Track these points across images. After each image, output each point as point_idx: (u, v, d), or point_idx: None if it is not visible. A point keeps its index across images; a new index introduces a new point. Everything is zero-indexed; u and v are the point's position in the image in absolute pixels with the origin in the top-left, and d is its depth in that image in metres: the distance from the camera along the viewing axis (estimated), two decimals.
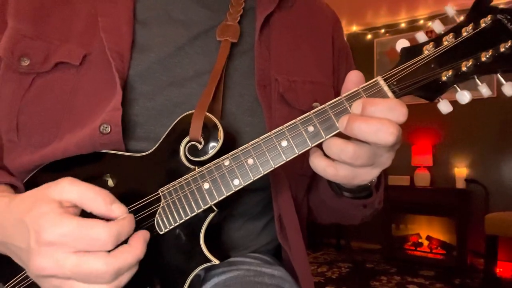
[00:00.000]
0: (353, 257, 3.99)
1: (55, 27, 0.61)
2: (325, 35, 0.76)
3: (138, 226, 0.53)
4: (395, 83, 0.48)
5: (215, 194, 0.51)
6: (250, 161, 0.50)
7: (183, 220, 0.52)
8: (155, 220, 0.53)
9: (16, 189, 0.57)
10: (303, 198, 0.72)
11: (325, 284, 3.15)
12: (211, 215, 0.53)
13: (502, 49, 0.46)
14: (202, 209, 0.52)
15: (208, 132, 0.54)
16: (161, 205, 0.53)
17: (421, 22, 4.17)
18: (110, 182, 0.55)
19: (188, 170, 0.53)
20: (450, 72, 0.47)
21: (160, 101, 0.60)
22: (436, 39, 0.49)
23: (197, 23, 0.66)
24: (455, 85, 0.48)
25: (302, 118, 0.49)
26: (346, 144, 0.46)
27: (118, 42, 0.60)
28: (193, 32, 0.65)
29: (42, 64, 0.59)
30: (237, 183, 0.50)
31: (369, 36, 4.48)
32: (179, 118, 0.55)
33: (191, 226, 0.54)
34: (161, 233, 0.53)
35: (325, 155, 0.49)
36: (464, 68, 0.47)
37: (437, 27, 0.49)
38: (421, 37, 0.49)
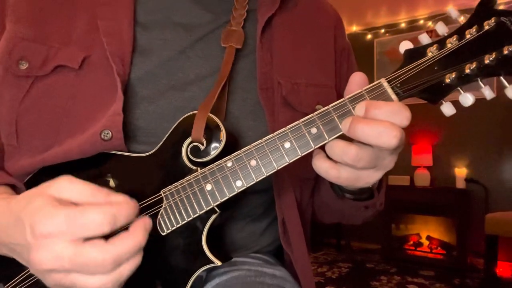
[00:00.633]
0: (353, 257, 3.99)
1: (54, 30, 0.60)
2: (328, 35, 0.75)
3: None
4: (398, 85, 0.48)
5: (218, 196, 0.51)
6: (253, 162, 0.50)
7: (185, 222, 0.52)
8: (157, 221, 0.53)
9: (17, 189, 0.57)
10: (308, 201, 0.72)
11: (325, 284, 3.15)
12: (214, 217, 0.53)
13: (505, 52, 0.46)
14: (204, 211, 0.51)
15: (211, 133, 0.53)
16: (163, 206, 0.53)
17: (421, 22, 4.17)
18: (112, 183, 0.55)
19: (191, 171, 0.53)
20: (453, 75, 0.47)
21: (161, 105, 0.59)
22: (440, 41, 0.49)
23: (198, 26, 0.65)
24: (458, 88, 0.48)
25: (305, 120, 0.49)
26: (348, 146, 0.46)
27: (119, 46, 0.59)
28: (195, 35, 0.64)
29: (41, 68, 0.58)
30: (240, 185, 0.50)
31: (369, 36, 4.47)
32: (181, 119, 0.55)
33: (194, 227, 0.53)
34: (163, 234, 0.53)
35: (328, 157, 0.49)
36: (467, 71, 0.47)
37: (441, 29, 0.49)
38: (424, 39, 0.49)
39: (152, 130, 0.59)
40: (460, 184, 3.81)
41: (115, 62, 0.58)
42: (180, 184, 0.52)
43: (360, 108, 0.46)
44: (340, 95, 0.71)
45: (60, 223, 0.40)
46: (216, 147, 0.53)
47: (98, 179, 0.56)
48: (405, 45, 0.49)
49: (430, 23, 4.08)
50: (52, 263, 0.40)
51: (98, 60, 0.59)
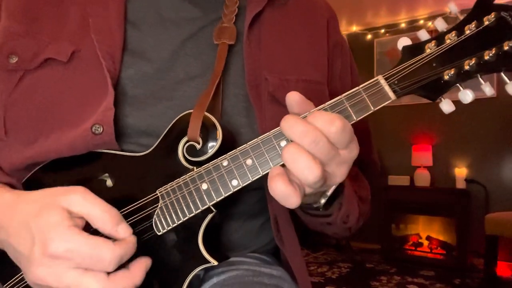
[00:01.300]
0: (353, 257, 3.99)
1: (46, 26, 0.61)
2: (320, 31, 0.74)
3: (136, 227, 0.53)
4: (396, 82, 0.47)
5: (214, 195, 0.50)
6: (249, 161, 0.49)
7: (181, 221, 0.52)
8: (153, 220, 0.53)
9: (15, 189, 0.57)
10: None
11: (325, 284, 3.15)
12: (210, 216, 0.53)
13: (506, 48, 0.45)
14: (200, 210, 0.51)
15: (207, 132, 0.53)
16: (159, 206, 0.52)
17: (421, 22, 4.17)
18: (109, 182, 0.55)
19: (187, 170, 0.53)
20: (452, 71, 0.47)
21: (152, 104, 0.59)
22: (439, 37, 0.48)
23: (188, 22, 0.65)
24: (457, 84, 0.47)
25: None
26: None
27: (110, 44, 0.59)
28: (185, 33, 0.64)
29: (30, 61, 0.58)
30: (236, 184, 0.50)
31: (369, 36, 4.47)
32: (177, 118, 0.55)
33: (190, 227, 0.53)
34: (159, 234, 0.53)
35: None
36: (467, 67, 0.46)
37: (440, 25, 0.48)
38: (423, 35, 0.49)
39: (142, 128, 0.58)
40: (460, 184, 3.81)
41: (105, 59, 0.58)
42: (176, 184, 0.52)
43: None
44: (332, 92, 0.70)
45: (72, 250, 0.42)
46: (212, 146, 0.53)
47: (95, 179, 0.55)
48: (403, 42, 0.49)
49: (430, 23, 4.08)
50: (52, 282, 0.42)
51: (88, 55, 0.59)
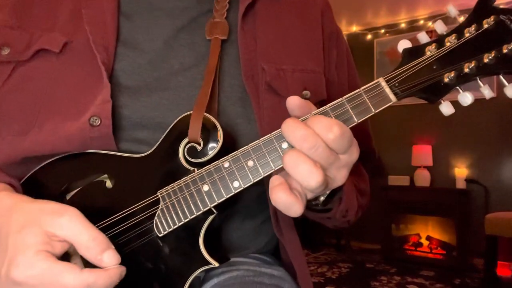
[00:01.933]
0: (353, 257, 3.99)
1: (38, 18, 0.61)
2: (315, 20, 0.73)
3: (136, 228, 0.53)
4: (397, 84, 0.48)
5: (215, 197, 0.50)
6: (250, 163, 0.49)
7: (182, 223, 0.52)
8: (154, 222, 0.52)
9: (14, 189, 0.57)
10: None
11: (325, 284, 3.15)
12: (211, 217, 0.53)
13: (505, 51, 0.45)
14: (201, 212, 0.51)
15: (207, 133, 0.53)
16: (160, 207, 0.52)
17: (421, 22, 4.16)
18: (108, 183, 0.55)
19: (187, 171, 0.53)
20: (452, 74, 0.47)
21: (146, 94, 0.59)
22: (439, 40, 0.48)
23: (181, 12, 0.65)
24: (457, 87, 0.48)
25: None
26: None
27: (103, 35, 0.60)
28: (178, 23, 0.64)
29: (23, 53, 0.58)
30: (237, 185, 0.50)
31: (369, 36, 4.47)
32: (177, 119, 0.55)
33: (191, 228, 0.53)
34: (160, 235, 0.52)
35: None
36: (466, 70, 0.47)
37: (440, 27, 0.49)
38: (423, 37, 0.49)
39: (137, 119, 0.58)
40: (460, 184, 3.81)
41: (99, 51, 0.58)
42: (177, 185, 0.52)
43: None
44: (329, 81, 0.70)
45: (34, 277, 0.41)
46: (213, 147, 0.53)
47: (94, 180, 0.55)
48: (404, 44, 0.49)
49: (430, 23, 4.08)
50: None
51: (81, 47, 0.59)
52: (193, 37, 0.64)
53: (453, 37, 0.48)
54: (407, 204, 3.94)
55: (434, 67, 0.47)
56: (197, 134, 0.53)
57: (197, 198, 0.51)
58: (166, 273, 0.54)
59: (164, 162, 0.55)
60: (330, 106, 0.48)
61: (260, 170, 0.49)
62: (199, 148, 0.53)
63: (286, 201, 0.43)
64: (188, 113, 0.54)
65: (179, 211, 0.52)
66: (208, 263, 0.53)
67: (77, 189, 0.55)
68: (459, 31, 0.48)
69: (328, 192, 0.52)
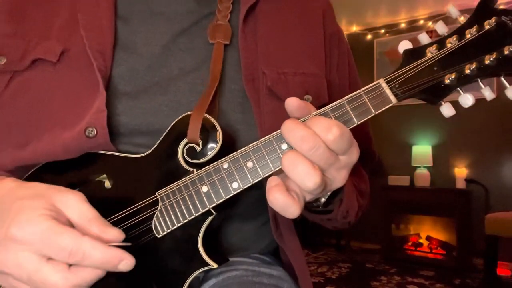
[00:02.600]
0: (353, 257, 3.99)
1: (34, 24, 0.60)
2: (316, 22, 0.72)
3: (135, 229, 0.53)
4: (397, 86, 0.47)
5: (214, 198, 0.50)
6: (250, 164, 0.49)
7: (181, 224, 0.52)
8: (153, 223, 0.52)
9: None
10: None
11: (325, 284, 3.15)
12: (210, 218, 0.53)
13: (506, 52, 0.45)
14: (200, 213, 0.51)
15: (207, 133, 0.53)
16: (159, 208, 0.52)
17: (421, 22, 4.16)
18: (107, 184, 0.55)
19: (186, 172, 0.52)
20: (453, 75, 0.47)
21: (144, 100, 0.58)
22: (440, 41, 0.48)
23: (181, 16, 0.64)
24: (458, 88, 0.47)
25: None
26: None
27: (100, 40, 0.58)
28: (177, 28, 0.63)
29: (19, 62, 0.58)
30: (236, 186, 0.49)
31: (369, 36, 4.47)
32: (176, 120, 0.55)
33: (189, 229, 0.53)
34: (158, 236, 0.52)
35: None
36: (467, 71, 0.46)
37: (440, 28, 0.48)
38: (424, 38, 0.49)
39: (136, 126, 0.58)
40: (460, 184, 3.81)
41: (95, 58, 0.57)
42: (176, 186, 0.52)
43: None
44: (330, 83, 0.69)
45: (34, 234, 0.40)
46: (212, 148, 0.52)
47: (93, 180, 0.55)
48: (404, 45, 0.48)
49: (430, 23, 4.08)
50: (11, 268, 0.40)
51: (78, 54, 0.58)
52: (193, 41, 0.63)
53: (454, 38, 0.47)
54: (407, 204, 3.94)
55: (435, 69, 0.47)
56: (196, 134, 0.52)
57: (196, 199, 0.51)
58: (165, 273, 0.53)
59: (163, 162, 0.54)
60: (330, 107, 0.48)
61: (260, 171, 0.49)
62: (198, 149, 0.53)
63: (282, 202, 0.43)
64: (188, 113, 0.54)
65: (178, 212, 0.51)
66: (207, 264, 0.53)
67: (76, 189, 0.55)
68: (460, 32, 0.47)
69: (329, 193, 0.52)
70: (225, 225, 0.64)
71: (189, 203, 0.51)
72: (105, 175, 0.55)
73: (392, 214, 3.99)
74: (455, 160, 3.96)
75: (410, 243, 3.98)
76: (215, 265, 0.53)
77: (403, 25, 4.28)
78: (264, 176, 0.49)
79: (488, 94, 0.48)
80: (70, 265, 0.41)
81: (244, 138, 0.48)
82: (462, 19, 0.48)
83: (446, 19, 0.52)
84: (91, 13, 0.60)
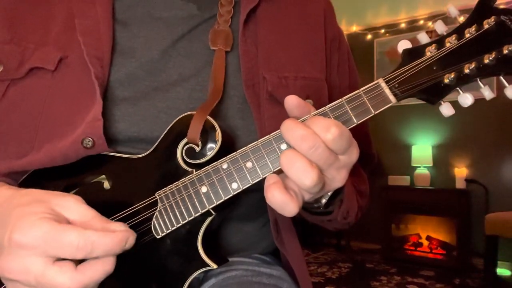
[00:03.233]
0: (353, 257, 3.98)
1: (31, 30, 0.59)
2: (317, 24, 0.72)
3: (134, 230, 0.52)
4: (396, 85, 0.47)
5: (213, 198, 0.50)
6: (249, 164, 0.49)
7: (180, 224, 0.51)
8: (152, 224, 0.52)
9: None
10: None
11: (325, 284, 3.14)
12: (209, 219, 0.53)
13: (505, 51, 0.45)
14: (199, 213, 0.51)
15: (206, 134, 0.53)
16: (158, 209, 0.52)
17: (421, 22, 4.16)
18: (106, 184, 0.55)
19: (186, 173, 0.52)
20: (452, 75, 0.47)
21: (143, 107, 0.58)
22: (439, 41, 0.48)
23: (181, 21, 0.63)
24: (457, 88, 0.47)
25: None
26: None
27: (97, 45, 0.57)
28: (177, 32, 0.62)
29: (16, 70, 0.56)
30: (236, 187, 0.49)
31: (369, 36, 4.46)
32: (177, 119, 0.54)
33: (189, 230, 0.53)
34: (158, 237, 0.52)
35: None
36: (467, 71, 0.46)
37: (440, 27, 0.48)
38: (423, 38, 0.48)
39: (134, 133, 0.57)
40: (460, 184, 3.81)
41: (93, 64, 0.56)
42: (175, 186, 0.52)
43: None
44: (330, 86, 0.69)
45: (37, 237, 0.40)
46: (212, 148, 0.52)
47: (92, 181, 0.55)
48: (404, 45, 0.48)
49: (430, 23, 4.07)
50: (18, 275, 0.40)
51: (76, 61, 0.57)
52: (193, 46, 0.62)
53: (454, 38, 0.47)
54: (407, 204, 3.93)
55: (434, 68, 0.47)
56: (196, 135, 0.52)
57: (195, 199, 0.50)
58: (165, 274, 0.53)
59: (162, 163, 0.54)
60: (330, 107, 0.48)
61: (259, 172, 0.48)
62: (197, 149, 0.53)
63: (280, 199, 0.43)
64: (189, 113, 0.54)
65: (177, 213, 0.51)
66: (207, 265, 0.53)
67: (75, 190, 0.55)
68: (459, 31, 0.47)
69: (330, 194, 0.52)
70: (225, 225, 0.64)
71: (189, 203, 0.51)
72: (104, 176, 0.55)
73: (392, 214, 3.98)
74: (455, 160, 3.96)
75: (410, 243, 3.98)
76: (214, 266, 0.53)
77: (403, 25, 4.27)
78: (264, 176, 0.48)
79: (487, 93, 0.48)
80: (76, 266, 0.41)
81: (244, 144, 0.48)
82: (462, 19, 0.48)
83: (446, 19, 0.51)
84: (88, 17, 0.59)
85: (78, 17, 0.59)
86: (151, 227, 0.52)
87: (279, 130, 0.47)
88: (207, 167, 0.51)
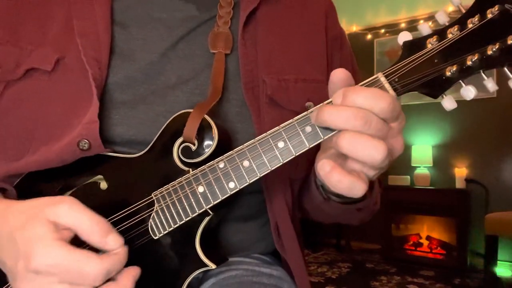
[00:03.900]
0: (353, 257, 3.98)
1: (29, 32, 0.58)
2: (318, 26, 0.71)
3: (131, 231, 0.52)
4: (396, 79, 0.45)
5: (210, 198, 0.49)
6: (246, 163, 0.48)
7: (177, 225, 0.51)
8: (149, 224, 0.52)
9: (6, 192, 0.56)
10: (296, 202, 0.69)
11: (325, 284, 3.14)
12: (207, 219, 0.52)
13: (509, 42, 0.43)
14: (197, 213, 0.50)
15: (202, 132, 0.52)
16: (155, 210, 0.51)
17: (421, 22, 4.15)
18: (103, 185, 0.54)
19: (182, 172, 0.52)
20: (454, 67, 0.45)
21: (141, 110, 0.57)
22: (440, 32, 0.46)
23: (180, 22, 0.62)
24: (460, 81, 0.46)
25: (299, 118, 0.47)
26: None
27: (96, 47, 0.57)
28: (176, 34, 0.61)
29: (13, 72, 0.56)
30: (233, 186, 0.49)
31: (369, 36, 4.46)
32: (172, 117, 0.54)
33: (186, 230, 0.52)
34: (155, 238, 0.52)
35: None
36: (469, 63, 0.44)
37: (442, 18, 0.46)
38: (424, 29, 0.47)
39: (132, 136, 0.56)
40: (460, 184, 3.80)
41: (90, 65, 0.55)
42: (172, 186, 0.51)
43: (337, 96, 0.43)
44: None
45: (56, 265, 0.40)
46: (208, 145, 0.51)
47: (88, 181, 0.54)
48: (404, 36, 0.46)
49: (430, 23, 4.06)
50: None
51: (73, 62, 0.56)
52: (192, 48, 0.62)
53: (456, 29, 0.45)
54: (407, 204, 3.93)
55: (435, 61, 0.45)
56: (193, 133, 0.51)
57: (192, 200, 0.50)
58: (163, 275, 0.53)
59: (158, 162, 0.54)
60: (329, 102, 0.47)
61: (256, 171, 0.48)
62: (193, 148, 0.52)
63: (348, 182, 0.41)
64: (185, 111, 0.53)
65: (174, 213, 0.51)
66: (205, 265, 0.52)
67: (71, 191, 0.54)
68: (461, 22, 0.45)
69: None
70: (225, 225, 0.64)
71: (186, 204, 0.50)
72: (100, 176, 0.54)
73: (392, 214, 3.98)
74: (455, 160, 3.96)
75: (410, 243, 3.98)
76: (213, 266, 0.52)
77: (403, 25, 4.27)
78: (261, 175, 0.48)
79: (490, 85, 0.45)
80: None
81: None
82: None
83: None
84: (86, 19, 0.58)
85: (76, 18, 0.58)
86: (148, 228, 0.52)
87: (276, 128, 0.47)
88: (204, 166, 0.50)
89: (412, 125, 4.11)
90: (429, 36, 0.46)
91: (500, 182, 3.71)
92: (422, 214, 3.96)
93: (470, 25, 0.45)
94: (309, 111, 0.46)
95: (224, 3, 0.64)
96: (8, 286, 0.51)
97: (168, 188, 0.51)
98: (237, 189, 0.49)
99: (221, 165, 0.49)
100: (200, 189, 0.50)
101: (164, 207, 0.51)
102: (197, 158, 0.51)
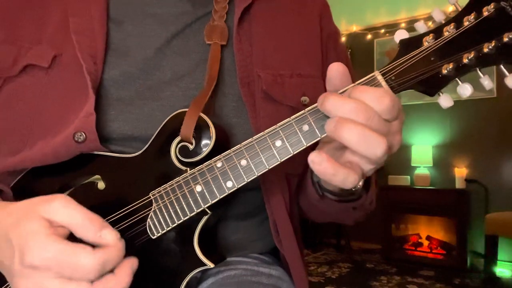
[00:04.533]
0: (353, 257, 3.98)
1: (26, 29, 0.59)
2: (313, 23, 0.71)
3: (129, 231, 0.52)
4: (393, 78, 0.45)
5: (208, 197, 0.49)
6: (243, 162, 0.48)
7: (175, 224, 0.51)
8: (147, 224, 0.52)
9: (2, 193, 0.56)
10: (294, 199, 0.69)
11: (325, 284, 3.14)
12: (205, 218, 0.52)
13: (505, 39, 0.43)
14: (195, 213, 0.50)
15: (200, 131, 0.52)
16: (153, 209, 0.51)
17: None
18: (100, 185, 0.54)
19: (180, 171, 0.52)
20: (451, 65, 0.45)
21: (138, 106, 0.57)
22: (436, 30, 0.46)
23: (175, 18, 0.63)
24: (456, 79, 0.46)
25: (297, 117, 0.46)
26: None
27: (91, 44, 0.57)
28: (171, 30, 0.62)
29: (10, 68, 0.57)
30: (231, 185, 0.49)
31: (369, 36, 4.46)
32: (169, 117, 0.54)
33: (185, 229, 0.52)
34: (153, 237, 0.51)
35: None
36: (465, 60, 0.44)
37: (438, 16, 0.46)
38: (420, 27, 0.47)
39: (128, 132, 0.57)
40: (460, 184, 3.81)
41: (85, 60, 0.55)
42: (170, 186, 0.51)
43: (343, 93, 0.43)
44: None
45: (50, 259, 0.40)
46: (206, 144, 0.51)
47: (86, 181, 0.54)
48: (401, 35, 0.46)
49: (430, 23, 4.07)
50: None
51: (70, 59, 0.57)
52: (187, 43, 0.62)
53: (452, 26, 0.45)
54: (407, 204, 3.93)
55: (432, 59, 0.45)
56: (190, 132, 0.52)
57: (190, 199, 0.50)
58: (162, 274, 0.53)
59: (156, 161, 0.54)
60: None
61: (254, 170, 0.48)
62: (191, 147, 0.52)
63: (342, 174, 0.41)
64: (182, 110, 0.53)
65: (172, 213, 0.51)
66: (204, 264, 0.52)
67: (68, 191, 0.54)
68: (457, 19, 0.45)
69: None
70: (223, 224, 0.64)
71: (183, 203, 0.50)
72: (98, 176, 0.54)
73: (392, 214, 3.98)
74: (455, 160, 3.96)
75: (410, 243, 3.97)
76: (211, 265, 0.52)
77: (403, 25, 4.27)
78: (259, 174, 0.48)
79: (487, 83, 0.45)
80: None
81: (239, 143, 0.47)
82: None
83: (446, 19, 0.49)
84: (82, 16, 0.59)
85: (72, 16, 0.59)
86: (146, 227, 0.52)
87: (273, 127, 0.47)
88: (201, 165, 0.50)
89: (412, 125, 4.11)
90: (426, 34, 0.46)
91: (500, 182, 3.72)
92: (422, 214, 3.96)
93: (466, 23, 0.45)
94: (307, 109, 0.46)
95: None
96: (8, 286, 0.52)
97: (166, 188, 0.51)
98: (235, 188, 0.49)
99: (219, 164, 0.49)
100: (198, 188, 0.50)
101: (162, 207, 0.51)
102: (194, 158, 0.51)
